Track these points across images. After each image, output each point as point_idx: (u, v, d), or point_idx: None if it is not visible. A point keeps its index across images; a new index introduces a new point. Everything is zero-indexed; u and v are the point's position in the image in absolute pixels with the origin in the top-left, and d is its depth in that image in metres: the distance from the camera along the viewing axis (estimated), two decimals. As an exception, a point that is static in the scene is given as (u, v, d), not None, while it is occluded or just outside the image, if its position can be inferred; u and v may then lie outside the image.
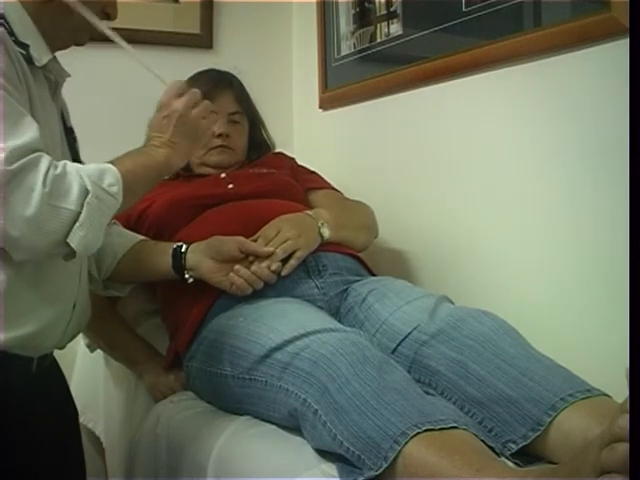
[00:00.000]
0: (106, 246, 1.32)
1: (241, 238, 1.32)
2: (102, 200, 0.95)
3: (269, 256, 1.31)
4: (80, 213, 0.92)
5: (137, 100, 1.88)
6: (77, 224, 0.91)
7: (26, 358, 1.01)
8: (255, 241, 1.35)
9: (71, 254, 0.95)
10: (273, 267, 1.31)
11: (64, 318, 1.07)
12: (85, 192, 0.93)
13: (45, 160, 0.91)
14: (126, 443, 1.41)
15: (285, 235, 1.34)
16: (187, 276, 1.32)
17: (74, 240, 0.92)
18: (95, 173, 0.96)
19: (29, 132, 0.91)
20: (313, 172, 1.74)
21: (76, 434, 1.17)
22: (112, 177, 0.98)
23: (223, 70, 1.67)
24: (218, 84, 1.62)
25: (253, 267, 1.29)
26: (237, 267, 1.28)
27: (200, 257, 1.31)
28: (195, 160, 1.62)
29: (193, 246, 1.33)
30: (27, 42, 1.01)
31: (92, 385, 1.61)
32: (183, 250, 1.32)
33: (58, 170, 0.92)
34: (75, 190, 0.92)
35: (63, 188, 0.91)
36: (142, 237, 1.41)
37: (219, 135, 1.59)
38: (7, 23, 0.98)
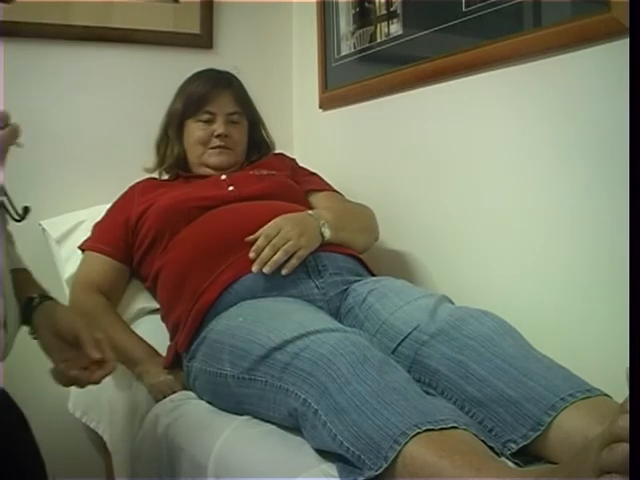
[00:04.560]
0: None
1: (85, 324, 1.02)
2: None
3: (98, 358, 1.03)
4: None
5: (135, 100, 1.89)
6: None
7: None
8: (256, 239, 1.35)
9: None
10: (266, 269, 1.31)
11: None
12: None
13: None
14: (130, 443, 1.41)
15: (286, 235, 1.34)
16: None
17: None
18: None
19: None
20: (314, 173, 1.74)
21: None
22: None
23: (223, 70, 1.67)
24: (218, 84, 1.62)
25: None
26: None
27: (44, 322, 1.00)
28: (195, 160, 1.62)
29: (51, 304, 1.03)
30: None
31: (93, 385, 1.60)
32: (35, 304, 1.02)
33: None
34: None
35: None
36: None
37: (218, 135, 1.59)
38: None
